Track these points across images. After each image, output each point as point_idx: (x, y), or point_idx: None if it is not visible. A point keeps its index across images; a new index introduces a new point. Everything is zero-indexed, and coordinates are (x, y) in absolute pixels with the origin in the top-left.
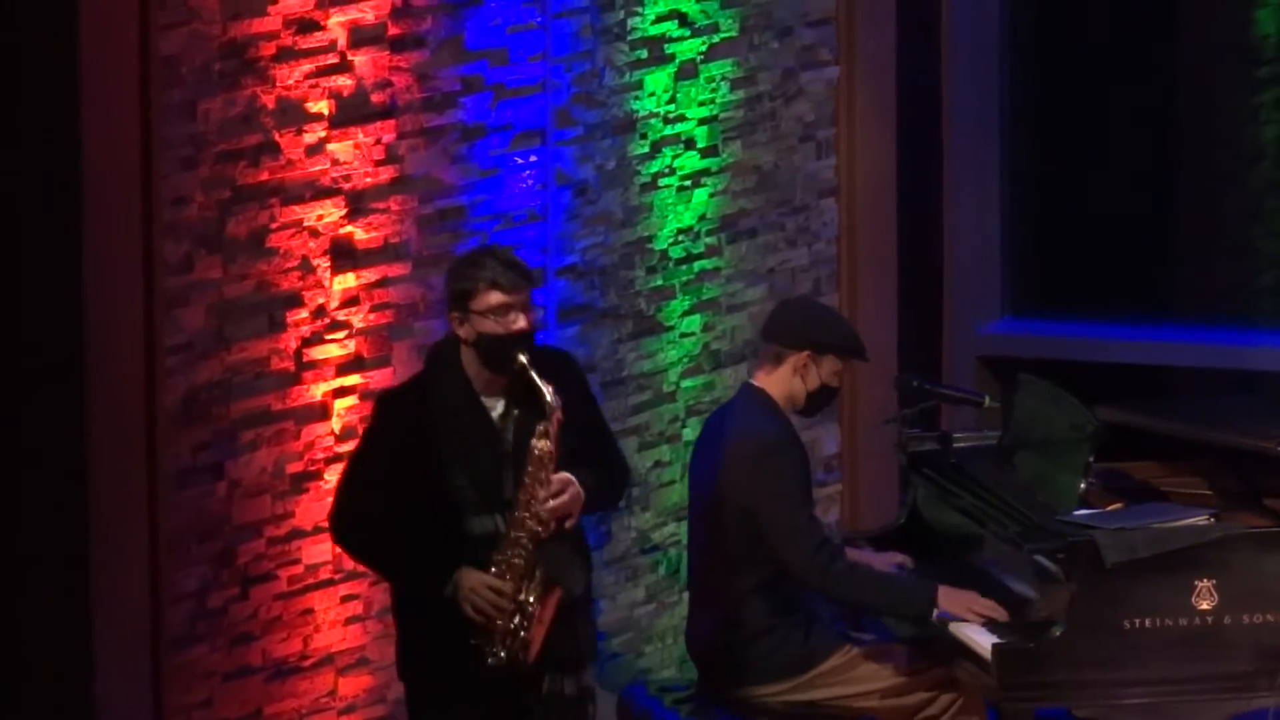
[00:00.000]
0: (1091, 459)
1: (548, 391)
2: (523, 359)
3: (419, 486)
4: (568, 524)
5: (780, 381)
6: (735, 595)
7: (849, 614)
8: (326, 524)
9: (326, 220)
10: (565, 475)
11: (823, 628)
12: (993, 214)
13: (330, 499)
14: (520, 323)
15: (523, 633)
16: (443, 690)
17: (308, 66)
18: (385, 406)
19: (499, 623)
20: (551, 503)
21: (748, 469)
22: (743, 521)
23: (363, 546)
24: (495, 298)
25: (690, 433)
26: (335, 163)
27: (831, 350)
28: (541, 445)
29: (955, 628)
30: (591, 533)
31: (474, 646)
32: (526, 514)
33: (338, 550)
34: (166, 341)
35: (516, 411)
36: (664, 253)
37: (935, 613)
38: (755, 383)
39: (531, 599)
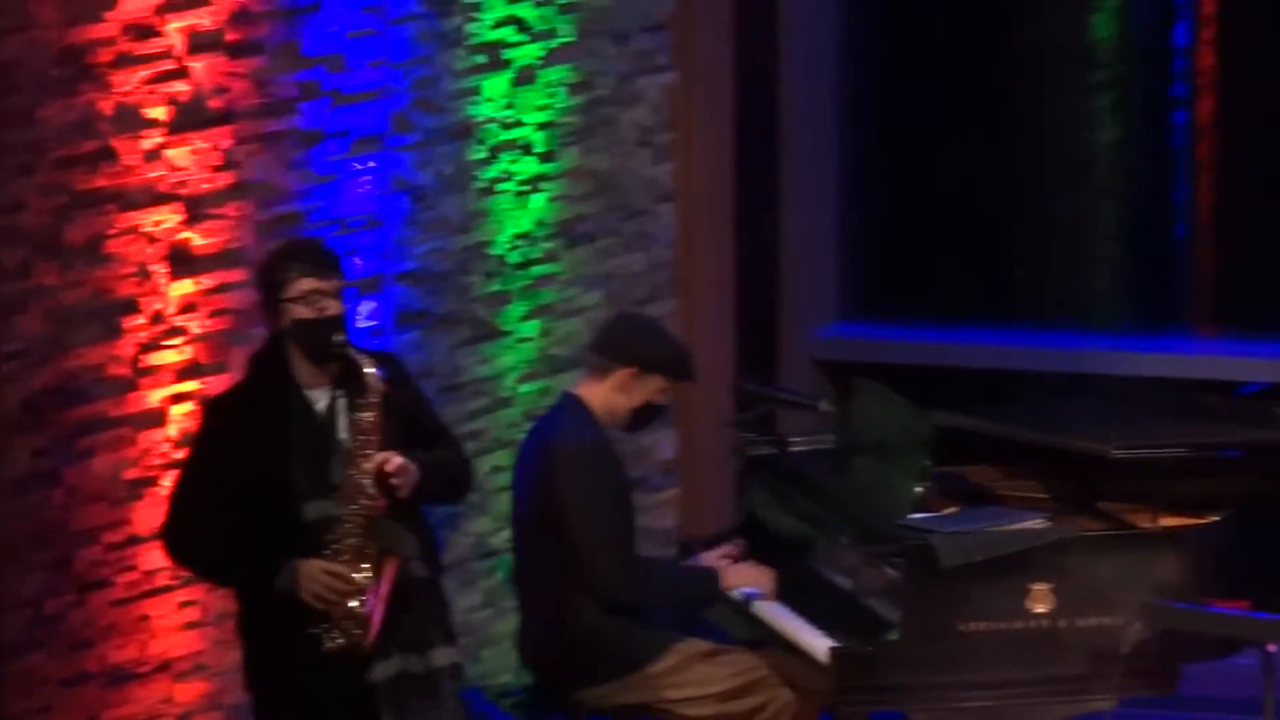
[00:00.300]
0: (927, 462)
1: (368, 368)
2: (340, 339)
3: (250, 486)
4: (398, 492)
5: (602, 394)
6: (561, 597)
7: (682, 615)
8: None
9: (164, 226)
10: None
11: (653, 629)
12: (829, 217)
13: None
14: (333, 309)
15: (361, 611)
16: (292, 695)
17: (145, 72)
18: (211, 411)
19: (339, 606)
20: (376, 465)
21: (559, 478)
22: (560, 528)
23: (197, 554)
24: (307, 284)
25: None
26: (173, 169)
27: (657, 370)
28: (363, 416)
29: (789, 629)
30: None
31: (313, 635)
32: (354, 489)
33: None
34: (4, 348)
35: (344, 400)
36: (502, 258)
37: (725, 588)
38: (576, 392)
39: (368, 575)
